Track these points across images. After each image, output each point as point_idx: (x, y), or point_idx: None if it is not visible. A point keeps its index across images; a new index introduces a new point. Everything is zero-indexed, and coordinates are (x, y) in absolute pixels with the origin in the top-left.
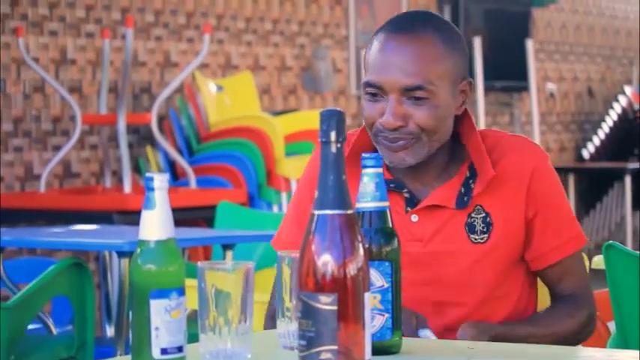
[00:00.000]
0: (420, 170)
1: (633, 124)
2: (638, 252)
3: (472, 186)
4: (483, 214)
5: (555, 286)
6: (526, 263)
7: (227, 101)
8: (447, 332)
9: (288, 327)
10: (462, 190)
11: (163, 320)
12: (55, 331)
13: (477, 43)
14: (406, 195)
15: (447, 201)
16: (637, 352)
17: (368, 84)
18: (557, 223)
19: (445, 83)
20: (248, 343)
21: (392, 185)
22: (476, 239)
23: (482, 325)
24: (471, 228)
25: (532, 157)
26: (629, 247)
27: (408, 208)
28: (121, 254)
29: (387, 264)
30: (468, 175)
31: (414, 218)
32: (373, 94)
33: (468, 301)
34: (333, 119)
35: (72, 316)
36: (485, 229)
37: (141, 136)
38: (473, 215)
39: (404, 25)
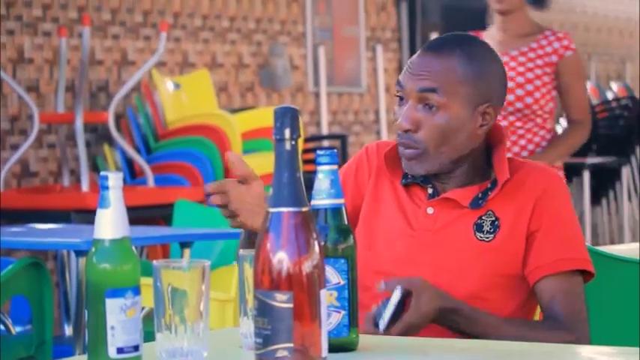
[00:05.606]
0: (442, 179)
1: (592, 119)
2: (597, 248)
3: (489, 193)
4: (493, 218)
5: (547, 305)
6: (527, 285)
7: (184, 99)
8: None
9: (252, 327)
10: (480, 195)
11: (119, 319)
12: (13, 330)
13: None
14: (429, 190)
15: (462, 199)
16: (600, 347)
17: (397, 83)
18: (558, 242)
19: (461, 100)
20: (204, 341)
21: (419, 179)
22: (481, 237)
23: (443, 293)
24: (478, 227)
25: (549, 179)
26: (587, 242)
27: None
28: (79, 253)
29: (342, 261)
30: (489, 186)
31: (430, 210)
32: (400, 99)
33: (459, 291)
34: (286, 116)
35: (30, 316)
36: (491, 230)
37: (98, 135)
38: (483, 217)
39: (436, 44)
